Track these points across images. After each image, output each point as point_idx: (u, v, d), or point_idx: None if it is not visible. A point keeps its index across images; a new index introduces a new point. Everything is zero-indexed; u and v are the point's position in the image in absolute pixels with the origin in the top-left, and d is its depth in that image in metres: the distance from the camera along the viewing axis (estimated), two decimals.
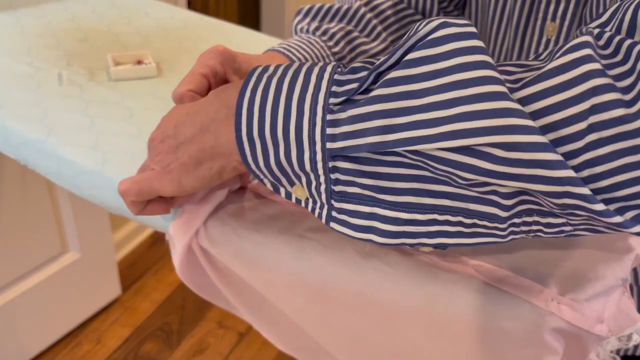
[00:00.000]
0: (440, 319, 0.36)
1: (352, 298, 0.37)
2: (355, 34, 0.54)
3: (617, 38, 0.27)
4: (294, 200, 0.34)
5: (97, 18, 0.75)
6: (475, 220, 0.30)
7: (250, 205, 0.42)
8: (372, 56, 0.54)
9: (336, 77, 0.31)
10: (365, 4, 0.55)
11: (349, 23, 0.54)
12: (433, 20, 0.28)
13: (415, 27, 0.30)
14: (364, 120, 0.28)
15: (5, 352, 1.19)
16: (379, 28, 0.55)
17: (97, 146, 0.48)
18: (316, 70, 0.32)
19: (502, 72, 0.28)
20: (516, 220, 0.30)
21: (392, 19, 0.56)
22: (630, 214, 0.27)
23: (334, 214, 0.32)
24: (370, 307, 0.37)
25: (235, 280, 0.41)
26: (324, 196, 0.32)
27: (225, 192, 0.42)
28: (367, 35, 0.54)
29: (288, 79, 0.32)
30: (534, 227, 0.31)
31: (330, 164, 0.30)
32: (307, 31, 0.53)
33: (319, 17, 0.55)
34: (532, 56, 0.52)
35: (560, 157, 0.25)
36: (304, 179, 0.32)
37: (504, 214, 0.29)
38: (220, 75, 0.44)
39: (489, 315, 0.36)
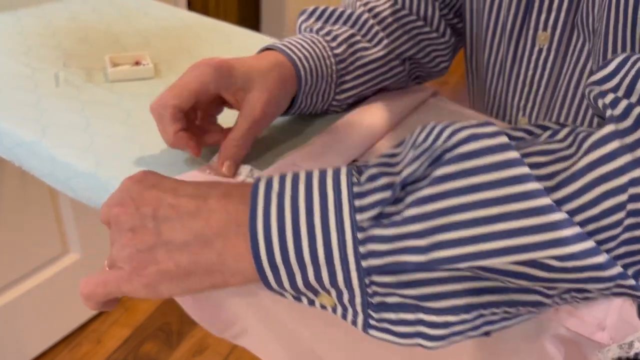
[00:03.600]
0: None
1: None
2: (358, 37, 0.54)
3: (637, 111, 0.27)
4: (317, 306, 0.31)
5: (96, 18, 0.75)
6: (519, 307, 0.30)
7: None
8: (372, 61, 0.54)
9: (355, 189, 0.29)
10: (369, 10, 0.55)
11: (352, 27, 0.54)
12: (459, 130, 0.28)
13: (436, 132, 0.29)
14: (406, 240, 0.28)
15: (6, 353, 1.19)
16: (381, 34, 0.54)
17: (92, 148, 0.47)
18: (329, 182, 0.30)
19: (533, 165, 0.27)
20: (558, 301, 0.30)
21: (394, 26, 0.55)
22: None
23: (372, 322, 0.30)
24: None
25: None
26: (359, 307, 0.30)
27: None
28: (369, 41, 0.54)
29: (302, 197, 0.29)
30: (570, 300, 0.31)
31: (367, 280, 0.29)
32: (311, 30, 0.53)
33: (323, 19, 0.54)
34: (524, 65, 0.53)
35: (609, 257, 0.26)
36: (333, 293, 0.30)
37: (547, 301, 0.29)
38: (212, 93, 0.42)
39: None
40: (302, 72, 0.48)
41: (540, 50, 0.52)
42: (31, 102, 0.53)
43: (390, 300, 0.29)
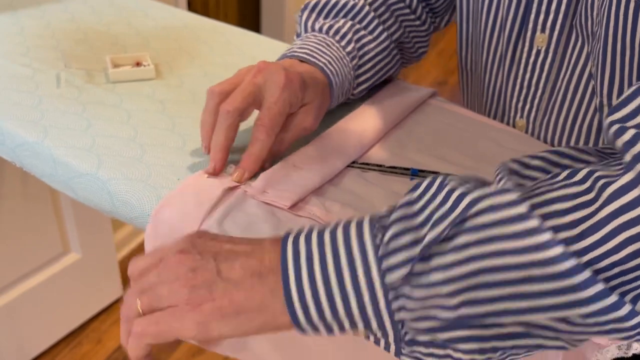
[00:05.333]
0: None
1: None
2: (362, 32, 0.55)
3: None
4: (346, 329, 0.33)
5: (96, 18, 0.75)
6: (543, 349, 0.32)
7: (241, 207, 0.42)
8: (378, 53, 0.56)
9: (381, 251, 0.31)
10: None
11: (353, 19, 0.56)
12: (477, 201, 0.29)
13: (453, 198, 0.30)
14: (434, 299, 0.30)
15: (6, 352, 1.19)
16: (376, 21, 0.56)
17: (93, 148, 0.48)
18: (355, 246, 0.31)
19: (554, 214, 0.28)
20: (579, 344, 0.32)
21: (384, 11, 0.57)
22: None
23: (404, 351, 0.33)
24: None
25: None
26: (392, 341, 0.33)
27: (220, 193, 0.42)
28: (371, 32, 0.56)
29: (331, 264, 0.31)
30: None
31: (400, 325, 0.31)
32: (321, 30, 0.54)
33: (324, 13, 0.56)
34: (522, 66, 0.53)
35: (630, 307, 0.28)
36: (368, 332, 0.33)
37: (570, 348, 0.31)
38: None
39: None
40: (333, 80, 0.50)
41: (538, 52, 0.52)
42: (32, 103, 0.54)
43: (421, 338, 0.32)
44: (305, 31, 0.56)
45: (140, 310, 0.33)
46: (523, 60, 0.53)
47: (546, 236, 0.27)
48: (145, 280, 0.34)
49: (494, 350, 0.31)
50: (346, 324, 0.31)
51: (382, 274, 0.30)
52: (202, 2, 1.87)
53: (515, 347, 0.31)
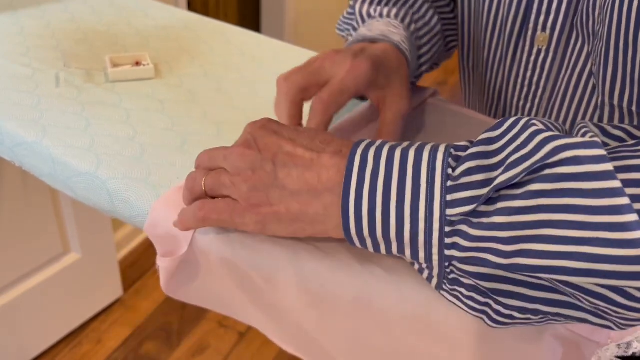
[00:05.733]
0: (439, 325, 0.36)
1: (349, 303, 0.37)
2: (416, 16, 0.56)
3: None
4: (393, 252, 0.33)
5: (96, 18, 0.75)
6: (584, 315, 0.30)
7: None
8: (432, 39, 0.55)
9: (449, 183, 0.30)
10: None
11: (405, 4, 0.56)
12: (563, 148, 0.27)
13: (538, 141, 0.28)
14: (490, 242, 0.29)
15: (6, 352, 1.19)
16: (430, 9, 0.57)
17: (92, 148, 0.48)
18: (424, 171, 0.31)
19: (631, 182, 0.27)
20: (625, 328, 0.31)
21: (429, 2, 0.58)
22: None
23: (445, 287, 0.33)
24: (368, 312, 0.37)
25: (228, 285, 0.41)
26: (435, 274, 0.33)
27: None
28: (422, 17, 0.56)
29: (395, 183, 0.31)
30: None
31: (447, 263, 0.31)
32: (381, 15, 0.54)
33: (376, 1, 0.56)
34: (523, 66, 0.53)
35: None
36: (414, 262, 0.33)
37: (615, 328, 0.30)
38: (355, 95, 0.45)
39: None
40: (410, 57, 0.50)
41: (539, 52, 0.52)
42: (31, 103, 0.54)
43: (465, 281, 0.31)
44: (363, 20, 0.56)
45: (204, 188, 0.35)
46: (524, 60, 0.53)
47: (624, 200, 0.26)
48: (214, 161, 0.36)
49: (536, 312, 0.30)
50: (394, 247, 0.32)
51: (444, 205, 0.30)
52: (202, 2, 1.87)
53: (559, 315, 0.30)
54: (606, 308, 0.28)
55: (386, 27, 0.51)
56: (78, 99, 0.55)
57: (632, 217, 0.26)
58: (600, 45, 0.45)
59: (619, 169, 0.27)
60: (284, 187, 0.33)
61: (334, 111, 0.43)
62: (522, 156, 0.28)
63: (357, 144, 0.33)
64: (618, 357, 0.37)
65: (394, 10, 0.54)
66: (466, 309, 0.33)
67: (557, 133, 0.28)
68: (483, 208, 0.29)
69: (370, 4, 0.56)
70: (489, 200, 0.29)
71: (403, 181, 0.31)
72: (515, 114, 0.56)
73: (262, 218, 0.34)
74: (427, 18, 0.56)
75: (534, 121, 0.30)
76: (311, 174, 0.33)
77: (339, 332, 0.39)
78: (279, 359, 1.31)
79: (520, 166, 0.28)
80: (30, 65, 0.61)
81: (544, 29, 0.50)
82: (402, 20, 0.54)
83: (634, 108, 0.45)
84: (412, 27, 0.54)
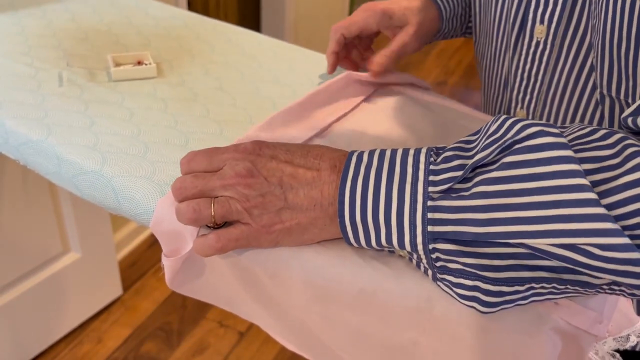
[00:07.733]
0: (441, 319, 0.36)
1: (352, 298, 0.37)
2: None
3: None
4: (382, 241, 0.36)
5: (97, 18, 0.76)
6: (567, 286, 0.33)
7: None
8: (454, 16, 0.63)
9: (431, 167, 0.34)
10: None
11: None
12: (529, 126, 0.32)
13: (507, 124, 0.33)
14: (468, 212, 0.32)
15: (6, 352, 1.19)
16: None
17: (97, 146, 0.48)
18: (410, 160, 0.35)
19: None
20: (605, 287, 0.33)
21: None
22: None
23: (438, 276, 0.35)
24: (370, 307, 0.37)
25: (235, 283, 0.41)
26: (425, 262, 0.35)
27: None
28: None
29: (386, 169, 0.35)
30: (619, 293, 0.34)
31: (431, 246, 0.34)
32: None
33: None
34: (523, 57, 0.54)
35: None
36: (404, 253, 0.37)
37: (595, 282, 0.32)
38: (373, 30, 0.58)
39: (488, 316, 0.36)
40: (443, 11, 0.60)
41: (537, 44, 0.52)
42: (35, 102, 0.54)
43: (451, 266, 0.34)
44: None
45: (213, 214, 0.37)
46: (524, 52, 0.54)
47: (578, 166, 0.30)
48: (211, 191, 0.38)
49: (521, 281, 0.32)
50: (382, 232, 0.35)
51: (427, 185, 0.33)
52: (202, 2, 1.87)
53: (542, 279, 0.32)
54: (573, 267, 0.31)
55: None
56: (81, 98, 0.56)
57: (585, 181, 0.30)
58: (597, 39, 0.46)
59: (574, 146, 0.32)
60: (294, 206, 0.37)
61: (342, 33, 0.58)
62: (494, 139, 0.33)
63: (352, 152, 0.38)
64: (616, 350, 0.38)
65: None
66: (458, 298, 0.35)
67: (525, 119, 0.33)
68: (460, 186, 0.33)
69: None
70: (467, 179, 0.33)
71: (392, 169, 0.35)
72: (515, 106, 0.57)
73: (275, 236, 0.38)
74: None
75: (509, 117, 0.34)
76: (315, 191, 0.37)
77: (342, 327, 0.39)
78: (279, 359, 1.31)
79: (492, 146, 0.32)
80: (33, 64, 0.61)
81: (542, 21, 0.51)
82: None
83: (630, 100, 0.45)
84: None
